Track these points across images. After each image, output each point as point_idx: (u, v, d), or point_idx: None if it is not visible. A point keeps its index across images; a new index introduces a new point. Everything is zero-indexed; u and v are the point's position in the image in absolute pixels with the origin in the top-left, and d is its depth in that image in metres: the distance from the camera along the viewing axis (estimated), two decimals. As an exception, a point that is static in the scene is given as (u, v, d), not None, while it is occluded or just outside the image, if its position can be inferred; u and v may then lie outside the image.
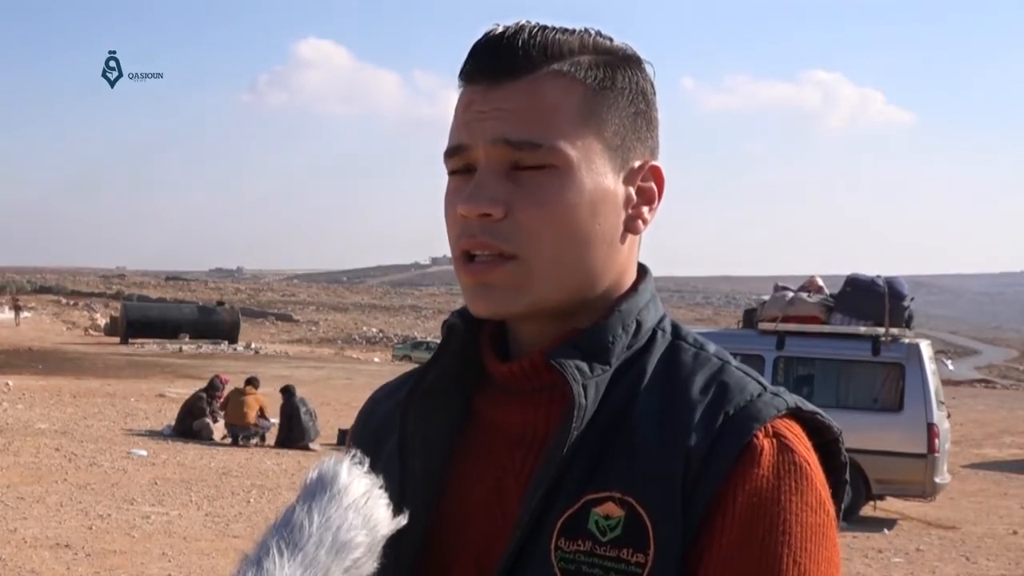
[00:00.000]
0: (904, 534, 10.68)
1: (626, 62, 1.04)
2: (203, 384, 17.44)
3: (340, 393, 24.01)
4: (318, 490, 0.91)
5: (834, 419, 1.02)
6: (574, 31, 1.02)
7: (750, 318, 12.22)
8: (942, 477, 11.11)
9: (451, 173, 1.03)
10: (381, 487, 0.93)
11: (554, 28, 1.01)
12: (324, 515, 0.88)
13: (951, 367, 26.35)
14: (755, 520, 0.90)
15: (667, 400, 0.98)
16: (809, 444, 0.97)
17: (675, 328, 1.07)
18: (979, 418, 25.23)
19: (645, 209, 1.04)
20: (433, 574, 1.01)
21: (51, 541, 8.07)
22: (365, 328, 77.40)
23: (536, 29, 1.00)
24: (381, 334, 72.17)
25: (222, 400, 15.92)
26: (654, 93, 1.06)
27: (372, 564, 0.90)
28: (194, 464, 12.65)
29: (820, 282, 11.87)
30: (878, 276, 11.35)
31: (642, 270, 1.09)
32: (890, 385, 11.02)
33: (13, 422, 15.42)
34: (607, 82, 1.01)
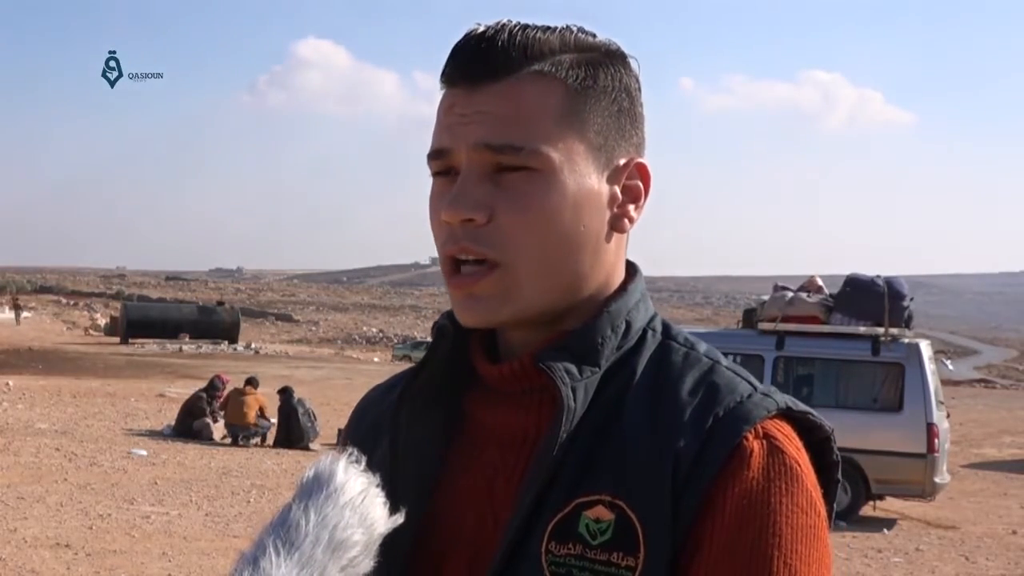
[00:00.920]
0: (904, 534, 10.68)
1: (609, 59, 1.03)
2: (203, 384, 17.43)
3: (340, 393, 23.97)
4: (315, 488, 0.90)
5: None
6: (555, 29, 1.01)
7: (750, 318, 12.21)
8: (942, 477, 11.10)
9: (434, 175, 1.03)
10: (378, 485, 0.93)
11: (535, 27, 1.00)
12: (321, 513, 0.88)
13: (951, 367, 26.30)
14: (745, 522, 0.90)
15: (657, 401, 0.97)
16: (800, 444, 0.96)
17: (666, 327, 1.06)
18: (979, 418, 25.21)
19: (631, 207, 1.04)
20: (424, 575, 1.01)
21: (51, 541, 8.07)
22: (365, 328, 77.37)
23: (516, 29, 0.99)
24: (381, 334, 72.14)
25: (222, 400, 15.91)
26: (639, 89, 1.05)
27: (369, 563, 0.90)
28: (194, 464, 12.65)
29: (820, 282, 11.85)
30: (878, 276, 11.34)
31: (631, 269, 1.08)
32: (890, 385, 11.01)
33: (13, 422, 15.41)
34: (589, 81, 1.00)
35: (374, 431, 1.10)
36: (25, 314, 59.00)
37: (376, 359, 48.28)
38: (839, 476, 1.01)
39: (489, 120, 0.97)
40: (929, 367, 11.03)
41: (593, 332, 1.01)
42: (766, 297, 11.81)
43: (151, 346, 43.66)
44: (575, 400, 0.97)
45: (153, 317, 48.65)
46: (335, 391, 24.93)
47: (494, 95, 0.98)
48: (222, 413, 15.65)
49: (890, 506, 11.78)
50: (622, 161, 1.03)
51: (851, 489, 10.88)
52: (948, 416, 11.98)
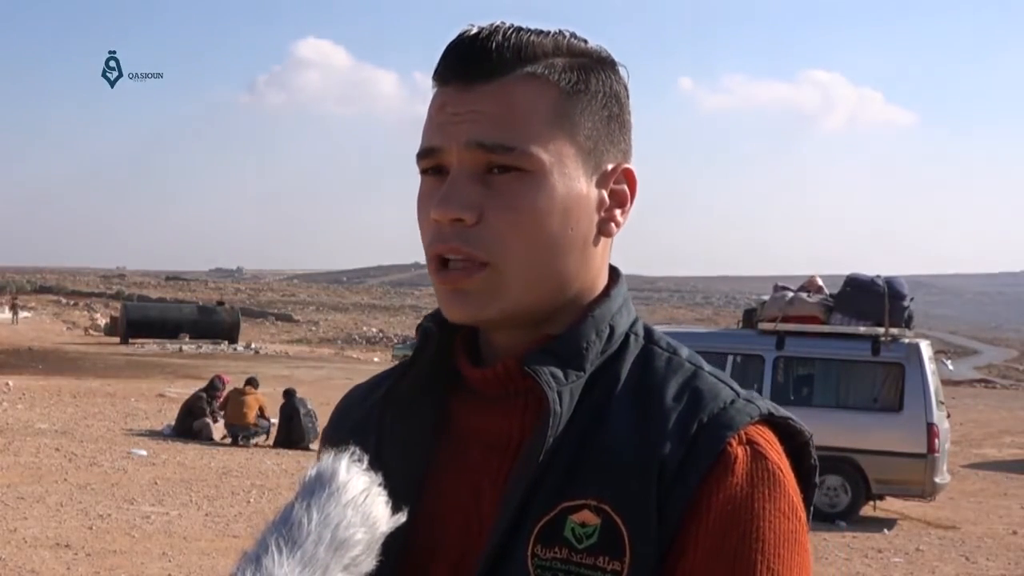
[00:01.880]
0: (904, 534, 10.67)
1: (600, 64, 1.03)
2: (203, 384, 17.44)
3: (340, 393, 23.05)
4: (317, 487, 0.90)
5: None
6: (548, 33, 1.02)
7: (750, 318, 12.20)
8: (942, 477, 11.10)
9: (423, 173, 1.03)
10: (380, 484, 0.93)
11: (528, 30, 1.01)
12: (323, 512, 0.88)
13: (951, 367, 26.26)
14: (729, 527, 0.91)
15: (641, 407, 0.98)
16: (781, 450, 0.98)
17: (648, 332, 1.07)
18: (979, 418, 25.21)
19: (618, 212, 1.04)
20: None
21: (51, 541, 8.07)
22: (365, 328, 77.33)
23: (510, 31, 1.00)
24: (381, 334, 72.09)
25: (222, 400, 15.93)
26: (627, 96, 1.06)
27: (371, 562, 0.90)
28: (194, 464, 12.65)
29: (820, 282, 11.85)
30: (878, 276, 11.34)
31: (614, 273, 1.08)
32: (890, 385, 11.00)
33: (13, 422, 15.41)
34: (581, 85, 1.01)
35: (358, 431, 1.09)
36: (24, 314, 58.98)
37: (376, 359, 48.24)
38: (816, 480, 1.03)
39: (481, 119, 0.98)
40: (929, 367, 11.03)
41: (578, 336, 1.01)
42: (766, 297, 11.81)
43: (151, 346, 43.64)
44: (561, 404, 0.97)
45: (153, 317, 48.59)
46: (335, 391, 24.84)
47: (487, 95, 0.98)
48: (222, 413, 15.67)
49: (890, 506, 11.78)
50: (610, 166, 1.03)
51: (851, 489, 10.89)
52: (948, 416, 11.97)
